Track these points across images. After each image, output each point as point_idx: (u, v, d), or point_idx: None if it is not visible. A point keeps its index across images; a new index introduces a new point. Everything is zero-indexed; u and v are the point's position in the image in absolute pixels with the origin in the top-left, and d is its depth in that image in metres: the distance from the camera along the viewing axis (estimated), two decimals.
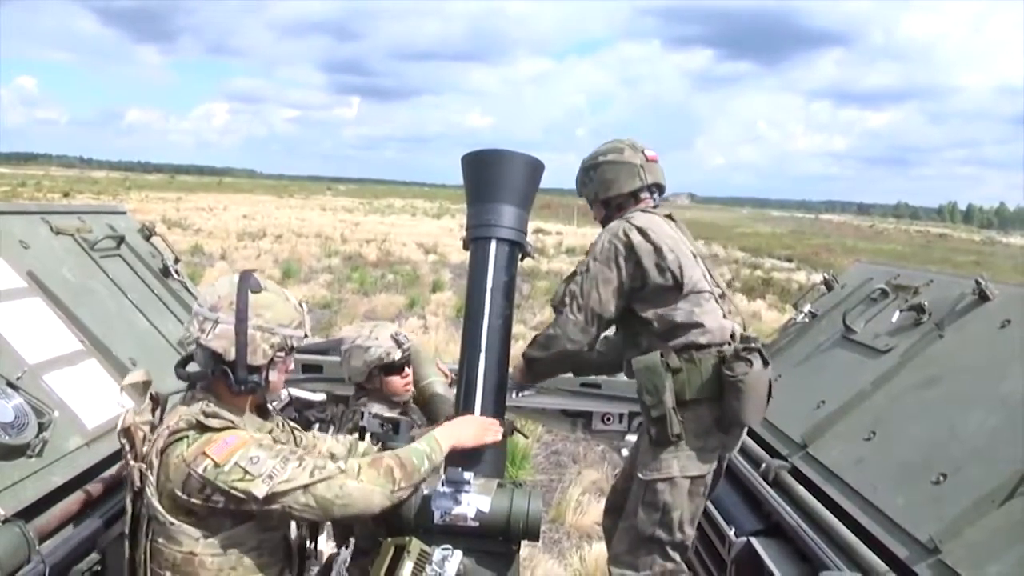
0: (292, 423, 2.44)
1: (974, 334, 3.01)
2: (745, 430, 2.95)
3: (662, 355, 2.70)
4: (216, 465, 1.97)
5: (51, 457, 2.45)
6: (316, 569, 3.98)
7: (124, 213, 4.21)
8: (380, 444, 2.51)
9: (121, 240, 3.82)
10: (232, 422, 2.09)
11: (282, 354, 2.15)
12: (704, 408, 2.71)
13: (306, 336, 2.23)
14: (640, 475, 2.74)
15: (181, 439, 2.04)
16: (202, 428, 2.05)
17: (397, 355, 3.29)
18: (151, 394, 2.20)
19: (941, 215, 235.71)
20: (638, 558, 2.73)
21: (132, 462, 2.09)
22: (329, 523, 3.39)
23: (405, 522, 2.28)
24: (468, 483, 2.27)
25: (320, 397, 4.27)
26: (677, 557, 2.75)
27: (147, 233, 4.12)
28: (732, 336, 2.82)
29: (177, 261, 4.13)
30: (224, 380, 2.10)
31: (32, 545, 2.20)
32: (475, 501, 2.26)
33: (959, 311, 3.15)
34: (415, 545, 2.14)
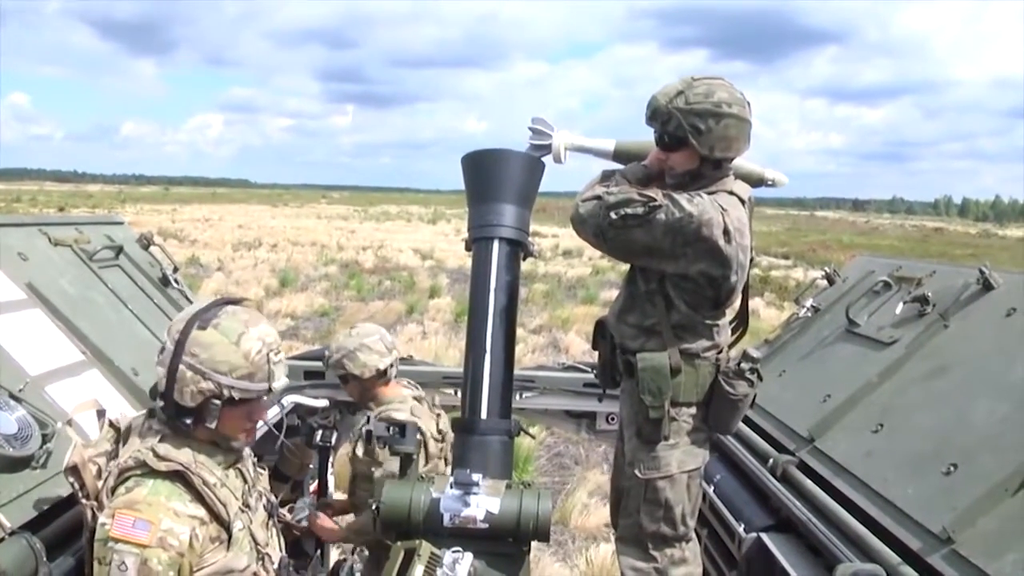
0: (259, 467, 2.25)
1: (979, 323, 3.00)
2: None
3: (669, 356, 2.63)
4: (107, 535, 1.84)
5: (55, 468, 2.42)
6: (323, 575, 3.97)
7: (122, 223, 4.19)
8: (386, 447, 2.49)
9: (120, 250, 3.79)
10: (182, 464, 1.93)
11: (217, 402, 1.93)
12: (694, 408, 2.70)
13: (270, 391, 1.99)
14: (638, 473, 2.70)
15: (128, 478, 1.93)
16: (150, 469, 1.92)
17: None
18: (110, 421, 2.09)
19: (936, 209, 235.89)
20: (646, 551, 2.73)
21: (84, 501, 1.98)
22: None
23: (414, 525, 2.26)
24: (477, 485, 2.25)
25: (323, 403, 4.26)
26: (683, 546, 2.76)
27: (145, 243, 4.09)
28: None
29: (176, 270, 4.10)
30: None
31: (40, 557, 2.17)
32: (484, 503, 2.25)
33: (963, 301, 3.14)
34: (425, 548, 2.13)
